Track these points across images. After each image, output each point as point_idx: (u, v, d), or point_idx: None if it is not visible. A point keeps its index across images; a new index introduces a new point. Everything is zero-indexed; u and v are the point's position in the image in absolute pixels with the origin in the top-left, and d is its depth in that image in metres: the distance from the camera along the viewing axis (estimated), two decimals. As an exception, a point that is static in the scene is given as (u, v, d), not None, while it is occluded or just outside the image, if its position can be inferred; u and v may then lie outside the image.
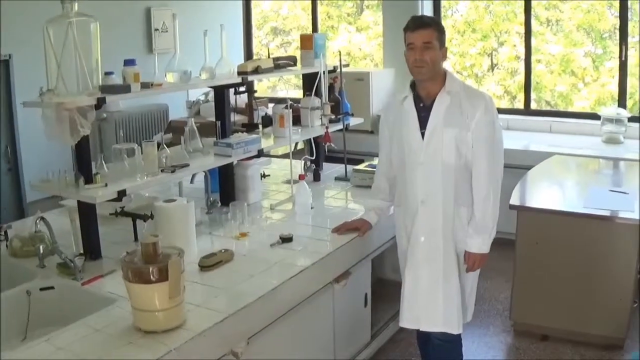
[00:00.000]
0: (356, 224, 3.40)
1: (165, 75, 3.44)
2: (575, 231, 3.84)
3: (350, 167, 4.43)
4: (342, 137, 4.47)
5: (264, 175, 4.25)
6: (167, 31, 6.70)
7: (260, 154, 3.75)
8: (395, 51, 6.46)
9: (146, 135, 6.60)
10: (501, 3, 7.51)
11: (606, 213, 3.79)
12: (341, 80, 4.43)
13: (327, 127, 4.09)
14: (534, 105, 6.84)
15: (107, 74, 3.35)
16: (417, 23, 3.00)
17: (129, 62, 3.16)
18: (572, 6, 7.13)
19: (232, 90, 3.99)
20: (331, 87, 4.48)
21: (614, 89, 6.87)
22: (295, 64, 4.25)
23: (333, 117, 4.17)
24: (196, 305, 2.60)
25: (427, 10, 6.78)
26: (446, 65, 3.15)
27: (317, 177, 4.44)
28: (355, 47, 9.02)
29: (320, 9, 8.48)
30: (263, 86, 9.10)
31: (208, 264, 2.94)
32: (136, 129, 6.60)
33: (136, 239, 3.34)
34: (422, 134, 3.04)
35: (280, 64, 4.10)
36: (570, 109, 7.35)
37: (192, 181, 3.88)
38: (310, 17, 8.15)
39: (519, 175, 4.63)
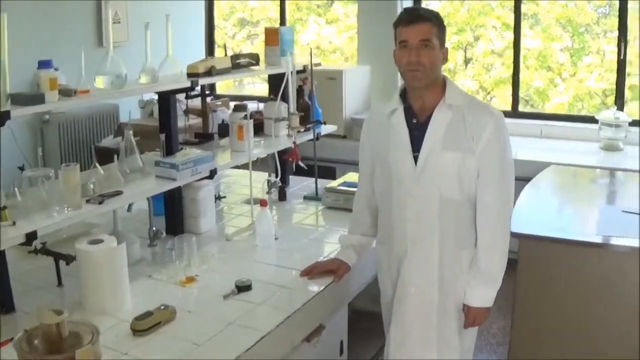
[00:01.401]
0: (330, 266, 2.72)
1: (95, 79, 2.78)
2: (588, 262, 3.24)
3: (321, 185, 3.79)
4: (312, 146, 3.82)
5: (219, 197, 3.57)
6: (119, 22, 6.00)
7: (213, 174, 3.10)
8: (371, 47, 5.85)
9: (95, 139, 5.89)
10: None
11: (621, 242, 3.20)
12: (312, 82, 3.79)
13: (295, 143, 3.42)
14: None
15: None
16: (413, 16, 2.38)
17: (43, 64, 2.47)
18: (550, -2, 6.72)
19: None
20: (300, 90, 3.85)
21: (592, 85, 6.67)
22: (257, 63, 3.61)
23: (302, 129, 3.48)
24: (121, 393, 1.96)
25: (408, 3, 6.15)
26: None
27: (282, 196, 3.77)
28: (325, 41, 8.48)
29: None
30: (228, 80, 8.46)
31: (142, 327, 2.27)
32: (83, 132, 5.88)
33: (60, 283, 2.68)
34: (415, 159, 2.41)
35: (240, 64, 3.45)
36: (547, 105, 6.99)
37: (129, 209, 3.21)
38: (279, 8, 7.50)
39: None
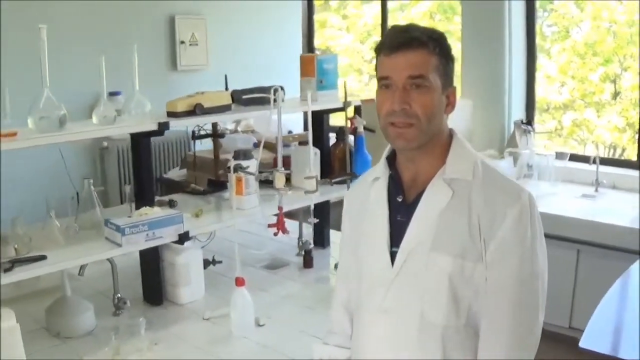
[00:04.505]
0: (293, 386, 1.98)
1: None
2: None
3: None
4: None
5: (214, 262, 2.84)
6: (197, 44, 5.51)
7: (184, 239, 2.43)
8: (477, 77, 5.01)
9: (162, 168, 5.33)
10: (625, 23, 6.01)
11: None
12: (347, 121, 3.01)
13: (280, 210, 2.59)
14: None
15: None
16: (400, 38, 1.57)
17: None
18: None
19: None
20: (341, 132, 3.12)
21: None
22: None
23: (287, 191, 2.57)
24: None
25: (517, 16, 5.19)
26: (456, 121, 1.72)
27: (308, 263, 3.04)
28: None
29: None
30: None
31: None
32: (148, 160, 5.36)
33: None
34: (392, 256, 1.64)
35: (253, 98, 2.77)
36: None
37: (80, 272, 2.60)
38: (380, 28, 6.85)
39: (621, 268, 3.13)
